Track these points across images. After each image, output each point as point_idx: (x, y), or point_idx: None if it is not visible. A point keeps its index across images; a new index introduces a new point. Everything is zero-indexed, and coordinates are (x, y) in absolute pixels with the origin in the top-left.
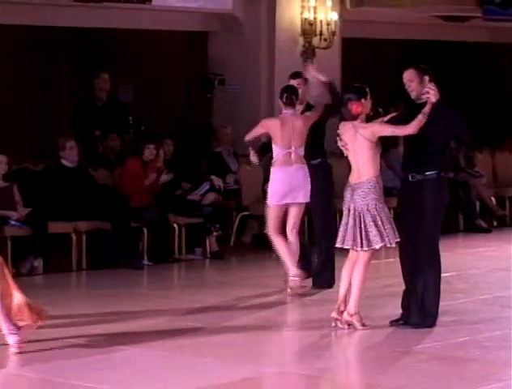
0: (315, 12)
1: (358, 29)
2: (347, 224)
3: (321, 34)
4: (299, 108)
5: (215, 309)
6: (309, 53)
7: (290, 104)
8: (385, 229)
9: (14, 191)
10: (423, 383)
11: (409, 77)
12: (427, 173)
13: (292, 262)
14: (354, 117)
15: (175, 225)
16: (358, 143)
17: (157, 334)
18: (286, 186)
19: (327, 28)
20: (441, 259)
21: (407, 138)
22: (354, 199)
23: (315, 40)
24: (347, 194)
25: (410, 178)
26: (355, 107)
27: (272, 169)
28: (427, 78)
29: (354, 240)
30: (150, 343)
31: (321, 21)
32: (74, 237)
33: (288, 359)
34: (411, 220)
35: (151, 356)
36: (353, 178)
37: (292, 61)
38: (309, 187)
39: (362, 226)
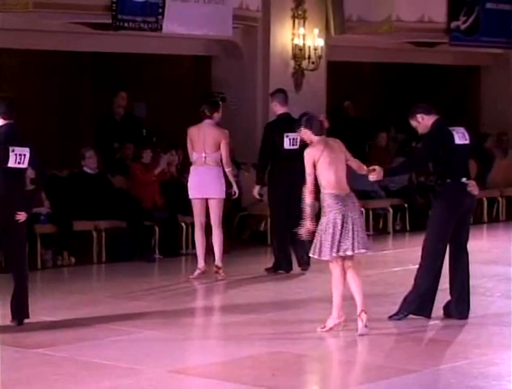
0: (304, 39)
1: (341, 53)
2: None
3: (309, 58)
4: None
5: (218, 296)
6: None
7: (207, 116)
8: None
9: (41, 193)
10: (396, 360)
11: None
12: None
13: (201, 255)
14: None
15: (182, 224)
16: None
17: (167, 318)
18: (196, 183)
19: (315, 53)
20: (415, 253)
21: None
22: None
23: (304, 63)
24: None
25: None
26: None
27: (190, 169)
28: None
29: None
30: (161, 325)
31: (309, 46)
32: (94, 234)
33: (281, 340)
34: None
35: (163, 338)
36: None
37: (285, 81)
38: (220, 186)
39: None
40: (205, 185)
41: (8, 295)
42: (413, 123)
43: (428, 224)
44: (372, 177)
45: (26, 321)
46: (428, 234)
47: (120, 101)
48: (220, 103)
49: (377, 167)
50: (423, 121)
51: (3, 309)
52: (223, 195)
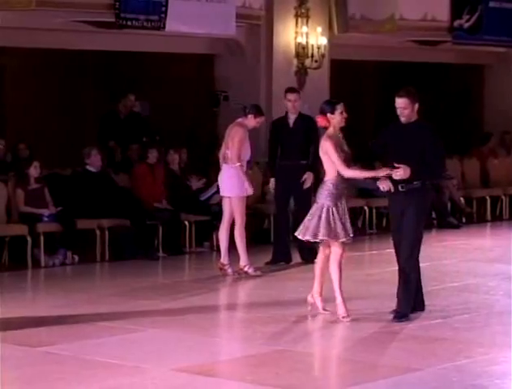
0: (307, 37)
1: (344, 52)
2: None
3: (312, 56)
4: (292, 117)
5: (222, 294)
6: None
7: (244, 114)
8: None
9: (45, 192)
10: (398, 358)
11: (403, 105)
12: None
13: (223, 251)
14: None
15: (186, 222)
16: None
17: (171, 316)
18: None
19: (318, 51)
20: None
21: (393, 153)
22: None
23: (307, 62)
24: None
25: (400, 188)
26: (319, 120)
27: None
28: (417, 105)
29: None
30: (165, 324)
31: (312, 45)
32: (98, 233)
33: (284, 338)
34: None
35: (166, 336)
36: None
37: (288, 79)
38: (228, 184)
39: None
40: (220, 183)
41: (11, 293)
42: (403, 104)
43: (413, 224)
44: (396, 176)
45: (29, 319)
46: (415, 232)
47: (127, 103)
48: (262, 110)
49: (403, 165)
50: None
51: (7, 308)
52: (230, 194)
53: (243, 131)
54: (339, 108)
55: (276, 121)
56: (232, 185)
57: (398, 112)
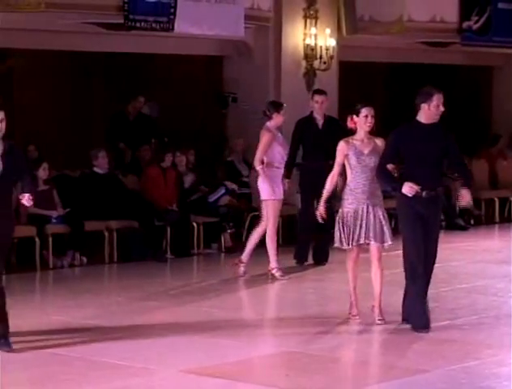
0: (316, 39)
1: (353, 54)
2: None
3: (321, 58)
4: (319, 118)
5: (230, 295)
6: None
7: (267, 115)
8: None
9: (54, 194)
10: (407, 360)
11: (443, 101)
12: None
13: (248, 250)
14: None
15: (194, 224)
16: None
17: (179, 318)
18: None
19: (326, 53)
20: None
21: (412, 156)
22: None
23: (316, 63)
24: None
25: (424, 195)
26: (349, 121)
27: None
28: None
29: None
30: (173, 325)
31: (321, 47)
32: (106, 234)
33: (294, 340)
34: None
35: (175, 338)
36: None
37: (296, 81)
38: (260, 187)
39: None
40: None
41: (20, 294)
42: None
43: (436, 230)
44: (464, 203)
45: (37, 321)
46: (437, 243)
47: (137, 104)
48: (284, 104)
49: (463, 190)
50: None
51: (15, 309)
52: (262, 196)
53: (269, 135)
54: (364, 111)
55: (302, 121)
56: (262, 189)
57: (438, 111)
